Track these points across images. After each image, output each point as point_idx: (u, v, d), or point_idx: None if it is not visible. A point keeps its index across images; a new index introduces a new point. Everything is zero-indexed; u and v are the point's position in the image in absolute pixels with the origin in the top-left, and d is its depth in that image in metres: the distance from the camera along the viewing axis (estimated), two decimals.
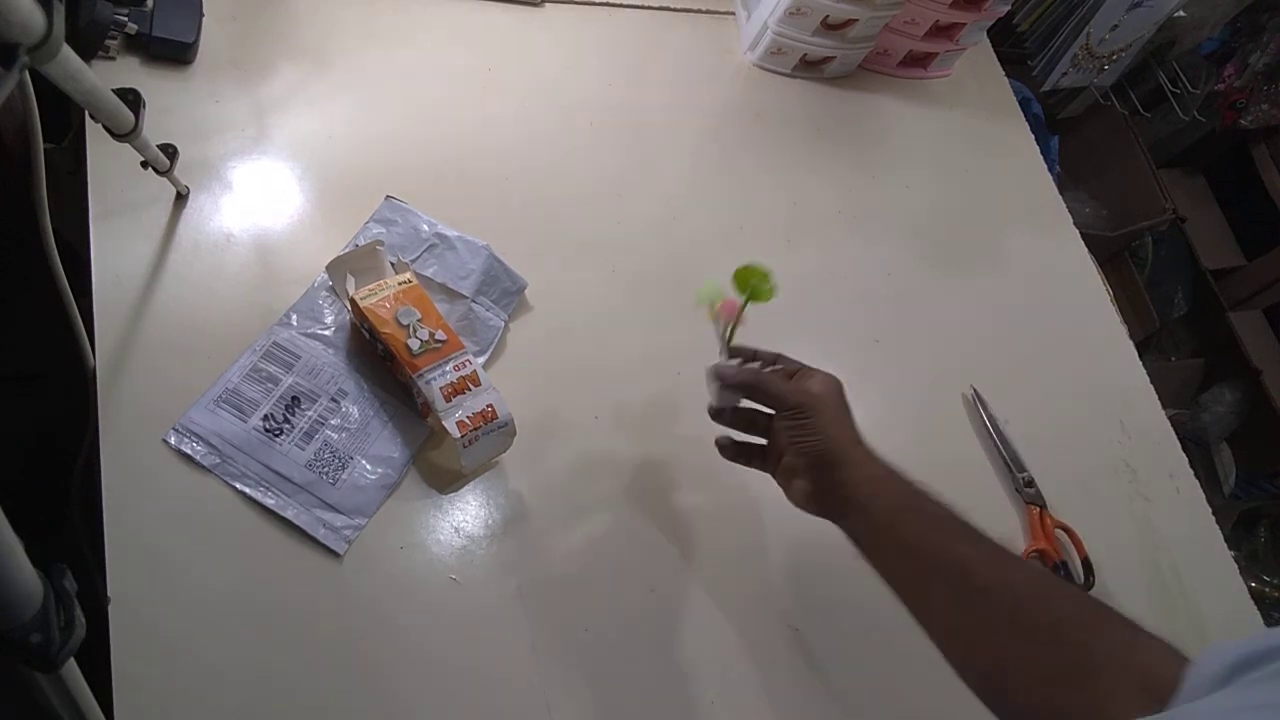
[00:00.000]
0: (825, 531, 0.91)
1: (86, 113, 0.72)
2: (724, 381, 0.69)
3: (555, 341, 0.88)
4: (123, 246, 0.78)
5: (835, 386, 0.67)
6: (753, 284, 0.70)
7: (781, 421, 0.67)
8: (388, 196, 0.88)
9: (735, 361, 0.72)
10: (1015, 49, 1.54)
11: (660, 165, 1.04)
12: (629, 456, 0.85)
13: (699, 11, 1.17)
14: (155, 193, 0.81)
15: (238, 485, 0.72)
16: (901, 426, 0.94)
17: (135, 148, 0.72)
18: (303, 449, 0.75)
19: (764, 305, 0.71)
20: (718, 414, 0.72)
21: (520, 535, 0.78)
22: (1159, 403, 1.11)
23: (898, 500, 0.63)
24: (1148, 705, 0.44)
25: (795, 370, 0.70)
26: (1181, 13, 1.57)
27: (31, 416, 1.19)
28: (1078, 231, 1.21)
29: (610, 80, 1.07)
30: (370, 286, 0.79)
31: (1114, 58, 1.56)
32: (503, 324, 0.86)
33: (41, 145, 0.60)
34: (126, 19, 0.83)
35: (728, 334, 0.71)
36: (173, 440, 0.72)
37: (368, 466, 0.76)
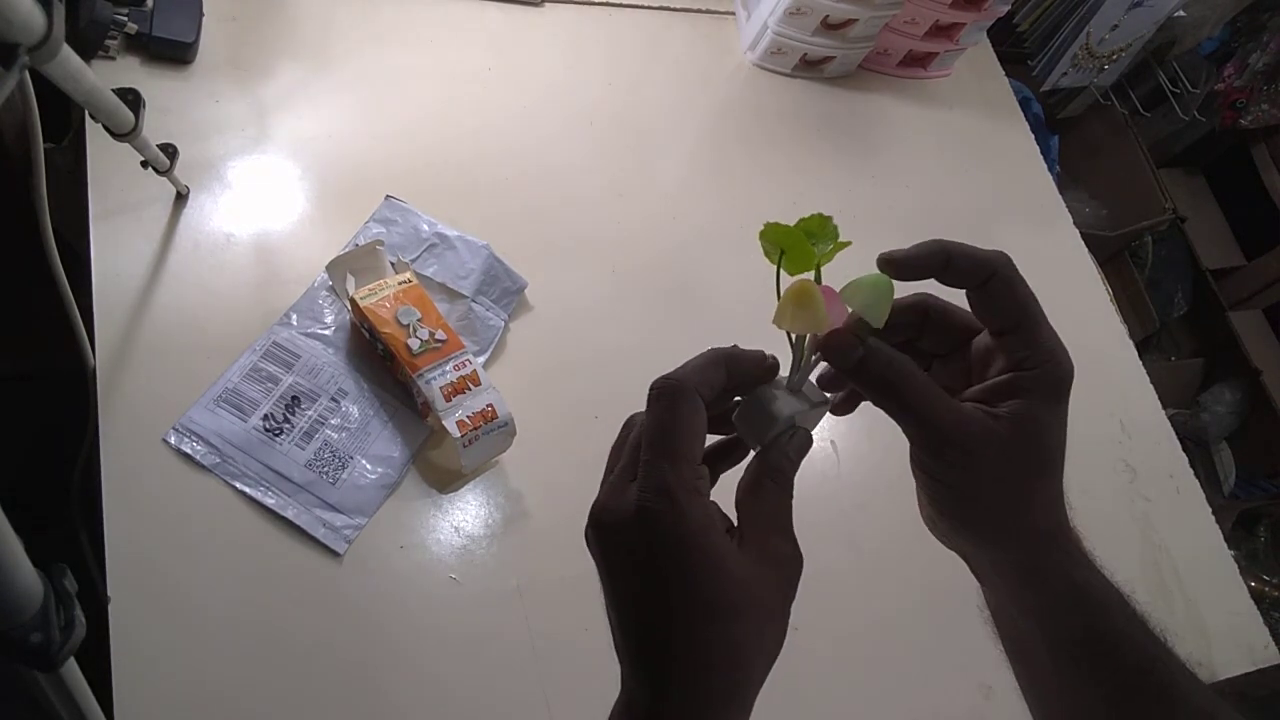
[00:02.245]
0: (823, 532, 0.91)
1: (86, 113, 0.72)
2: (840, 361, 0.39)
3: (555, 341, 0.88)
4: (123, 246, 0.78)
5: (1043, 420, 0.39)
6: (865, 296, 0.40)
7: (921, 461, 0.40)
8: (388, 196, 0.88)
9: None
10: (1015, 49, 1.54)
11: (660, 165, 1.04)
12: None
13: (699, 11, 1.17)
14: (155, 193, 0.81)
15: (238, 485, 0.72)
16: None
17: (135, 148, 0.72)
18: (303, 448, 0.75)
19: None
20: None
21: (520, 535, 0.78)
22: (1159, 403, 1.11)
23: (1106, 587, 0.40)
24: None
25: (1012, 360, 0.40)
26: (1181, 13, 1.57)
27: (31, 416, 1.19)
28: (1078, 231, 1.21)
29: (610, 80, 1.07)
30: (370, 286, 0.79)
31: (1114, 57, 1.56)
32: (503, 324, 0.86)
33: (41, 145, 0.60)
34: (126, 19, 0.83)
35: (804, 355, 0.42)
36: (173, 440, 0.72)
37: (368, 466, 0.76)
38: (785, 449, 0.40)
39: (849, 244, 0.40)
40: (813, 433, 0.42)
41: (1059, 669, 0.41)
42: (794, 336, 0.41)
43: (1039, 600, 0.40)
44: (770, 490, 0.40)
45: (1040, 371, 0.39)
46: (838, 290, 0.40)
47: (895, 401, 0.39)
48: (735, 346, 0.41)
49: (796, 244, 0.40)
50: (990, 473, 0.38)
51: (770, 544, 0.38)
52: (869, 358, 0.39)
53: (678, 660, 0.36)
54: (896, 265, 0.40)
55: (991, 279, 0.40)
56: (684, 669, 0.36)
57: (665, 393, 0.39)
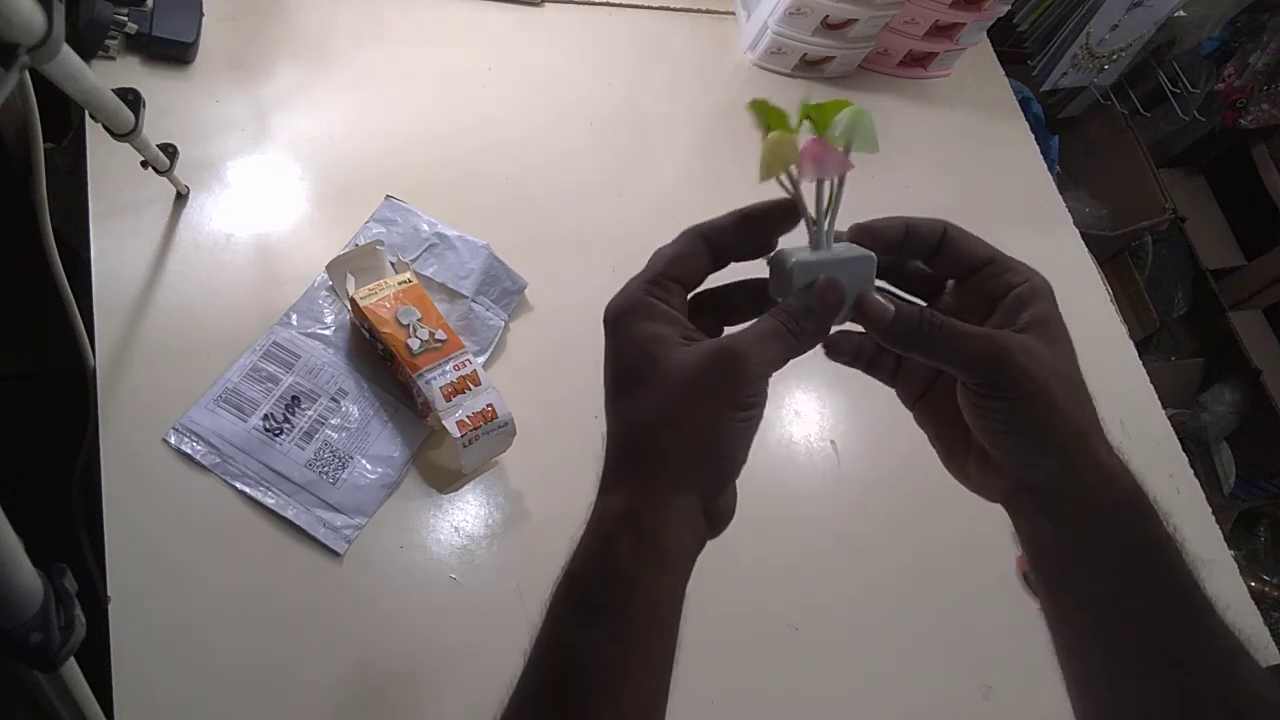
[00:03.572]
0: (823, 532, 0.91)
1: (86, 113, 0.72)
2: (866, 316, 0.41)
3: (555, 341, 0.88)
4: (123, 246, 0.78)
5: (1059, 343, 0.41)
6: (846, 123, 0.42)
7: (968, 392, 0.41)
8: (388, 196, 0.88)
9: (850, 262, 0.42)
10: (1015, 49, 1.54)
11: (660, 165, 1.04)
12: None
13: (699, 11, 1.17)
14: (155, 193, 0.81)
15: (238, 485, 0.72)
16: (901, 427, 0.93)
17: (135, 147, 0.72)
18: (303, 448, 0.75)
19: None
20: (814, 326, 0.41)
21: (520, 535, 0.78)
22: (1159, 403, 1.11)
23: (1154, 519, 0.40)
24: None
25: (1001, 287, 0.42)
26: (1181, 12, 1.57)
27: (31, 416, 1.19)
28: (1078, 231, 1.21)
29: (610, 80, 1.07)
30: (370, 286, 0.79)
31: (1114, 57, 1.55)
32: (503, 324, 0.86)
33: (41, 145, 0.60)
34: (126, 19, 0.83)
35: (828, 202, 0.42)
36: (173, 440, 0.72)
37: (368, 466, 0.76)
38: (803, 296, 0.41)
39: (845, 103, 0.42)
40: (867, 293, 0.41)
41: (1114, 586, 0.40)
42: (792, 188, 0.42)
43: (1104, 508, 0.40)
44: (764, 320, 0.40)
45: (1032, 281, 0.43)
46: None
47: (939, 353, 0.40)
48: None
49: (772, 115, 0.42)
50: (1045, 375, 0.39)
51: (724, 343, 0.39)
52: (899, 320, 0.40)
53: (611, 432, 0.40)
54: (868, 233, 0.43)
55: (945, 234, 0.44)
56: (612, 439, 0.40)
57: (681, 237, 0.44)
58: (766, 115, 0.42)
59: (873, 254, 0.42)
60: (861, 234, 0.43)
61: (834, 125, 0.41)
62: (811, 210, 0.42)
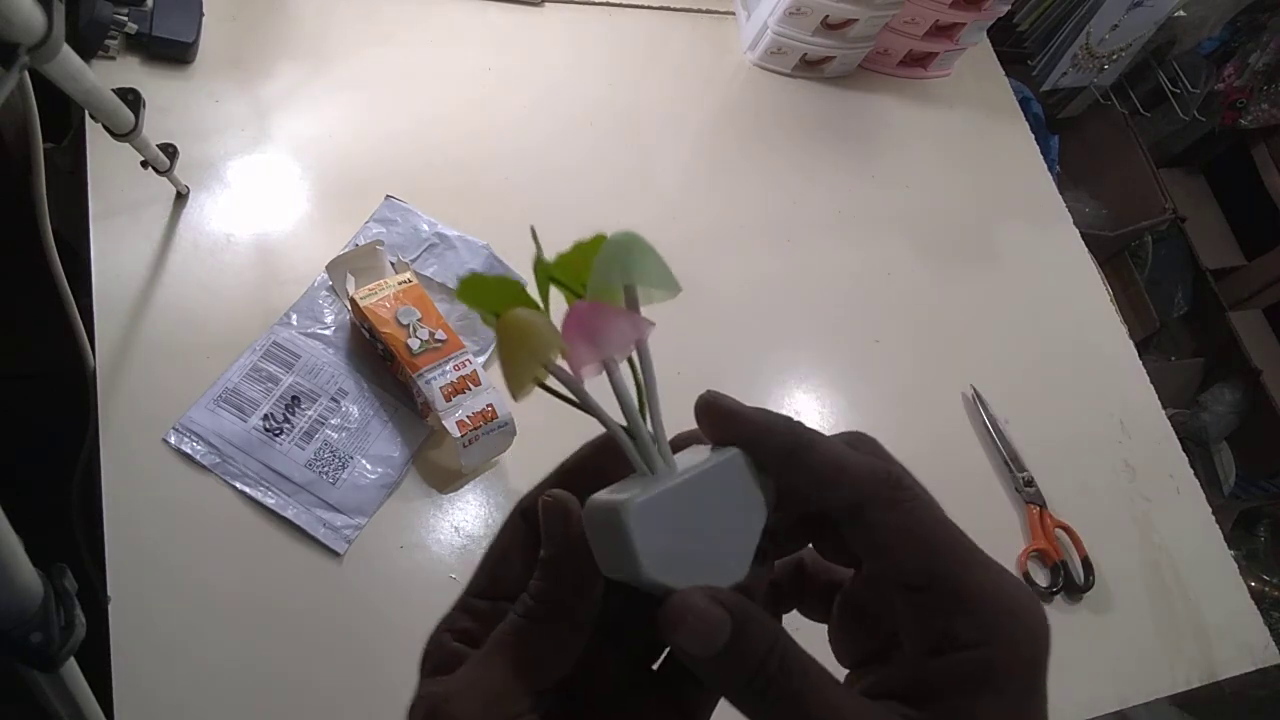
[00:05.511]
0: None
1: (86, 112, 0.72)
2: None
3: None
4: (123, 246, 0.78)
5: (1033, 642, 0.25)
6: (615, 263, 0.29)
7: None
8: (388, 196, 0.88)
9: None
10: (1015, 49, 1.54)
11: (660, 165, 1.04)
12: None
13: (699, 11, 1.17)
14: (155, 192, 0.81)
15: (238, 485, 0.72)
16: (902, 426, 0.94)
17: (135, 147, 0.72)
18: (303, 448, 0.75)
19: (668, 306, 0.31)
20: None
21: None
22: (1159, 403, 1.11)
23: None
24: None
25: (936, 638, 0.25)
26: (1181, 12, 1.57)
27: (31, 416, 1.19)
28: (1078, 231, 1.21)
29: (610, 80, 1.07)
30: (370, 286, 0.79)
31: (1114, 57, 1.56)
32: None
33: (41, 145, 0.60)
34: (126, 19, 0.83)
35: (636, 392, 0.30)
36: (173, 440, 0.72)
37: (368, 466, 0.76)
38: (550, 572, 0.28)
39: (599, 239, 0.28)
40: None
41: None
42: (571, 393, 0.28)
43: None
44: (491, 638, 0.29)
45: (984, 652, 0.24)
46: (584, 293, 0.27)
47: (778, 714, 0.24)
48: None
49: (497, 291, 0.28)
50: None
51: (428, 703, 0.30)
52: (743, 642, 0.24)
53: None
54: (722, 418, 0.26)
55: (862, 510, 0.25)
56: None
57: None
58: (487, 294, 0.27)
59: (738, 452, 0.26)
60: (716, 422, 0.26)
61: (598, 274, 0.27)
62: (619, 416, 0.27)
